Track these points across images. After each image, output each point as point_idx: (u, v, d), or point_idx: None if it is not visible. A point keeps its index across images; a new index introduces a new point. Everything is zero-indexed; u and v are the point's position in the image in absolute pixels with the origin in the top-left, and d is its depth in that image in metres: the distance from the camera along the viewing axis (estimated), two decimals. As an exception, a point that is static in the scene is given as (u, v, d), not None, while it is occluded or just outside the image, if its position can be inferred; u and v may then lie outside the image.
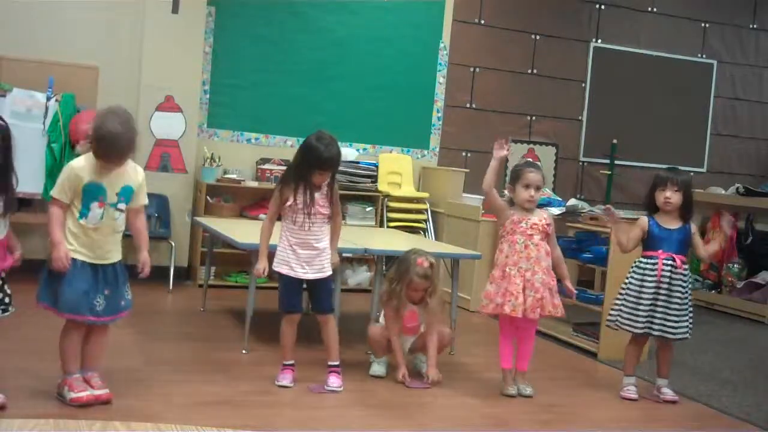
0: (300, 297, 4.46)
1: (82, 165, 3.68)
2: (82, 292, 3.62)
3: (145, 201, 3.89)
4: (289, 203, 4.25)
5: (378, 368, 4.72)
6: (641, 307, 4.61)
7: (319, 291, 4.41)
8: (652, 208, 4.72)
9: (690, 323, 4.67)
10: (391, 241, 5.51)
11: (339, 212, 4.48)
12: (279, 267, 4.33)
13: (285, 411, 4.00)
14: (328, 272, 4.39)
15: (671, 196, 4.62)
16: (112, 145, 3.61)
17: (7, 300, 3.62)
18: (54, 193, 3.66)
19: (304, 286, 4.41)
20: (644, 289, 4.61)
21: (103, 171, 3.67)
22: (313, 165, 4.20)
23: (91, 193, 3.64)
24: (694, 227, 4.74)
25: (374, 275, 5.48)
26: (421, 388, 4.54)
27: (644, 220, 4.73)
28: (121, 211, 3.74)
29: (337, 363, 4.41)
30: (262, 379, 4.42)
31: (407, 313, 4.68)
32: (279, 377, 4.36)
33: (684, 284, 4.63)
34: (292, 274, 4.30)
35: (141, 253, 3.84)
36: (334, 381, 4.35)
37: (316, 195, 4.26)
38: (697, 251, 4.84)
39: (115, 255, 3.76)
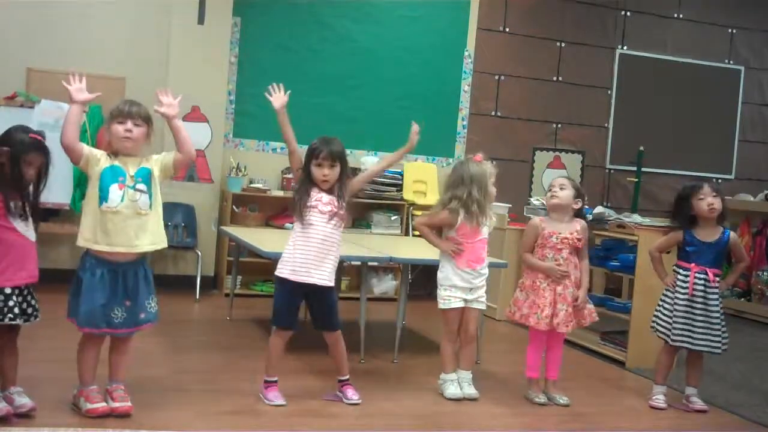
0: (297, 311, 4.28)
1: (101, 150, 3.78)
2: (99, 305, 3.62)
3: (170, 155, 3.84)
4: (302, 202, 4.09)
5: (454, 390, 4.49)
6: (676, 319, 4.57)
7: (322, 305, 4.24)
8: (685, 220, 4.62)
9: (727, 335, 4.63)
10: (417, 249, 5.49)
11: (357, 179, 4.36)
12: (279, 271, 4.16)
13: (311, 420, 3.99)
14: (330, 282, 4.17)
15: (713, 202, 4.52)
16: (118, 109, 3.81)
17: (29, 310, 3.59)
18: None
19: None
20: (677, 301, 4.57)
21: (119, 158, 3.74)
22: (307, 156, 4.13)
23: (111, 176, 3.67)
24: (734, 236, 4.64)
25: (400, 284, 5.46)
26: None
27: (679, 233, 4.64)
28: (142, 191, 3.72)
29: (348, 377, 4.34)
30: (288, 388, 4.41)
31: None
32: (269, 396, 4.14)
33: (718, 298, 4.58)
34: (292, 278, 4.10)
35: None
36: (353, 394, 4.28)
37: (329, 196, 4.10)
38: (737, 263, 4.76)
39: (141, 243, 3.69)
